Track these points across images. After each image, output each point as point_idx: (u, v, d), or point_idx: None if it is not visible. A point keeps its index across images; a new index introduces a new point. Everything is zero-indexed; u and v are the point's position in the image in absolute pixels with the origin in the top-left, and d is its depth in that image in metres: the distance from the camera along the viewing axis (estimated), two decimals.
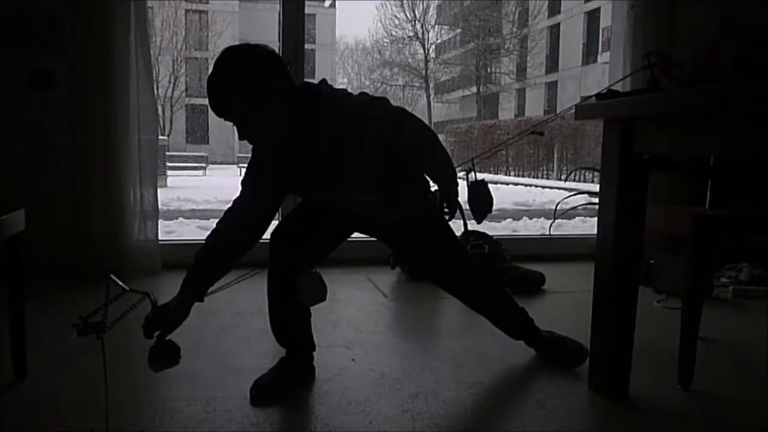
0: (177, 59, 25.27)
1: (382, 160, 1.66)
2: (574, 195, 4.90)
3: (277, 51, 1.63)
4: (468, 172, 3.58)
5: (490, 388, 1.90)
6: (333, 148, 1.61)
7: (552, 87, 26.14)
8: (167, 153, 13.78)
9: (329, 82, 1.68)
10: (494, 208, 3.63)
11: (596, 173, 3.37)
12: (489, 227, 5.05)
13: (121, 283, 1.43)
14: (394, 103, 1.65)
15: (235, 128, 1.59)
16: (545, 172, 17.04)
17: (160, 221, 3.55)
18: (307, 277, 1.68)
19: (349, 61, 33.95)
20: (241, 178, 1.73)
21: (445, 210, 1.76)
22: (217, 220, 1.72)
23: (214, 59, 1.58)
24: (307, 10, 3.70)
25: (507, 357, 2.13)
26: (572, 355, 2.03)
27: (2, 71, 3.18)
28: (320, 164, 1.64)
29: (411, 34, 29.72)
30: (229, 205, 1.73)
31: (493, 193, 3.63)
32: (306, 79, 1.88)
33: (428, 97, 30.16)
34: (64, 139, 3.27)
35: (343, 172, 1.65)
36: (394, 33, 29.98)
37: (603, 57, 20.38)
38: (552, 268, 3.43)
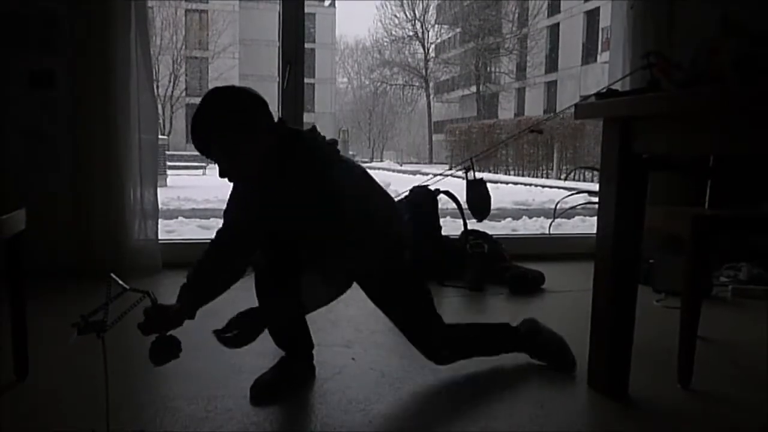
0: (177, 59, 25.23)
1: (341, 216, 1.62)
2: (574, 194, 4.90)
3: (260, 94, 1.65)
4: (466, 170, 3.59)
5: (490, 388, 1.90)
6: (291, 194, 1.63)
7: (552, 86, 26.12)
8: (167, 152, 13.74)
9: (318, 130, 1.72)
10: (494, 207, 3.65)
11: (596, 173, 3.37)
12: (488, 226, 5.05)
13: (121, 282, 1.43)
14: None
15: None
16: (545, 171, 17.04)
17: (160, 220, 3.55)
18: (309, 278, 1.67)
19: (349, 61, 33.96)
20: (224, 208, 1.78)
21: None
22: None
23: (201, 98, 1.61)
24: (306, 10, 3.70)
25: (506, 356, 2.13)
26: (556, 357, 2.03)
27: (2, 71, 3.18)
28: (278, 207, 1.67)
29: (411, 33, 29.72)
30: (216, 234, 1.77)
31: (492, 193, 3.65)
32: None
33: (428, 96, 30.15)
34: (64, 138, 3.27)
35: (298, 219, 1.65)
36: (394, 32, 29.99)
37: (602, 57, 20.35)
38: (551, 267, 3.43)
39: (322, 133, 1.72)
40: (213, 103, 1.60)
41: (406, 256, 1.81)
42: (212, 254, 1.73)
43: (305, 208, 1.61)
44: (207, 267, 1.72)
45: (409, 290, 1.83)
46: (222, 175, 1.63)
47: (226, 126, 1.57)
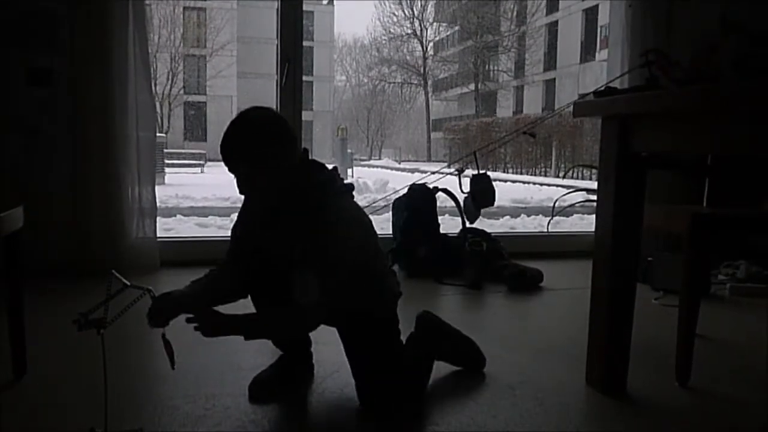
0: (175, 56, 25.18)
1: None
2: (572, 192, 4.91)
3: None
4: (460, 172, 3.60)
5: (488, 385, 1.90)
6: (291, 228, 1.65)
7: (550, 84, 26.12)
8: (165, 150, 13.73)
9: (338, 172, 1.74)
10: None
11: (594, 170, 3.38)
12: (487, 224, 5.06)
13: (122, 279, 1.43)
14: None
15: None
16: (543, 169, 17.04)
17: (158, 218, 3.54)
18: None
19: (347, 59, 33.93)
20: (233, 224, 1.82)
21: None
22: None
23: (241, 112, 1.64)
24: (305, 8, 3.69)
25: (505, 354, 2.14)
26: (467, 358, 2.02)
27: (2, 70, 3.18)
28: (277, 237, 1.69)
29: (409, 31, 29.70)
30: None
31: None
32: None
33: (426, 94, 30.13)
34: (63, 137, 3.26)
35: (290, 253, 1.64)
36: (392, 30, 29.98)
37: (601, 54, 20.34)
38: (550, 265, 3.43)
39: (339, 167, 1.78)
40: (252, 121, 1.62)
41: (391, 312, 1.80)
42: (219, 266, 1.78)
43: (299, 244, 1.61)
44: (214, 272, 1.77)
45: (379, 346, 1.75)
46: (241, 190, 1.65)
47: (260, 146, 1.59)
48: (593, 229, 1.90)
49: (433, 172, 3.82)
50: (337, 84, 33.27)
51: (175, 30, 25.03)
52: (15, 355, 1.85)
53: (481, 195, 3.49)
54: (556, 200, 4.76)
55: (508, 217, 6.94)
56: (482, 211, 3.58)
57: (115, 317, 1.43)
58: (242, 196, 1.74)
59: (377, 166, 20.71)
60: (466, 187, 3.53)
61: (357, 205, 1.77)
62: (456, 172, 3.62)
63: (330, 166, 1.75)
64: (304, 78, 3.74)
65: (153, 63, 4.02)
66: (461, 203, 3.55)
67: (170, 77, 24.80)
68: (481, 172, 3.52)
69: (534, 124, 3.65)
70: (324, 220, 1.60)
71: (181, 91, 25.62)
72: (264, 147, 1.59)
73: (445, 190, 3.54)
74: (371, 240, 1.75)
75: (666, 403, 1.81)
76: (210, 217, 6.37)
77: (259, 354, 2.03)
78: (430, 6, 29.48)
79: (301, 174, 1.66)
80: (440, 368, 1.99)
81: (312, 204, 1.63)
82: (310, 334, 1.95)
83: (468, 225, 3.55)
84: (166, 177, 12.06)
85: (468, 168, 3.67)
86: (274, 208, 1.69)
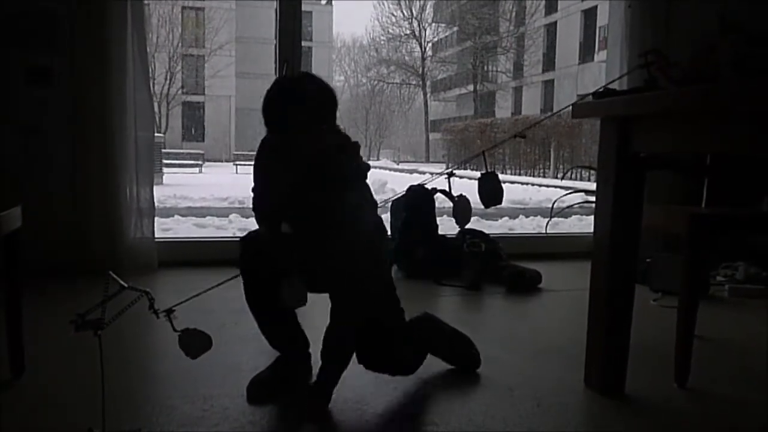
0: (173, 56, 25.20)
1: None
2: (571, 193, 4.91)
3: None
4: (450, 176, 3.59)
5: (487, 386, 1.90)
6: (317, 182, 1.70)
7: (549, 85, 26.17)
8: (163, 150, 13.72)
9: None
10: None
11: (593, 171, 3.37)
12: (485, 225, 5.06)
13: (120, 280, 1.42)
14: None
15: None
16: (542, 170, 17.05)
17: (156, 218, 3.54)
18: (288, 281, 1.70)
19: (346, 59, 33.97)
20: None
21: None
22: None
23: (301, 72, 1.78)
24: (303, 8, 3.69)
25: (504, 354, 2.13)
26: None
27: (1, 70, 3.17)
28: (301, 190, 1.73)
29: (408, 32, 29.74)
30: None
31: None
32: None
33: (425, 95, 30.16)
34: (61, 137, 3.25)
35: (312, 207, 1.70)
36: (391, 31, 30.03)
37: (600, 55, 20.39)
38: (549, 266, 3.43)
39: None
40: (311, 81, 1.73)
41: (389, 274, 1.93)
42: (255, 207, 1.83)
43: (323, 198, 1.68)
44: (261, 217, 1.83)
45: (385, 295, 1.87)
46: (278, 152, 1.73)
47: (314, 100, 1.68)
48: (592, 231, 1.90)
49: (433, 174, 3.81)
50: (336, 84, 33.23)
51: (173, 30, 25.05)
52: (12, 354, 1.85)
53: (489, 195, 3.48)
54: (555, 201, 4.76)
55: (506, 218, 6.94)
56: (481, 211, 3.57)
57: (113, 318, 1.43)
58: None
59: (375, 167, 20.72)
60: (456, 192, 3.51)
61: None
62: (446, 176, 3.60)
63: None
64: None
65: (151, 63, 4.01)
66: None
67: (169, 77, 24.80)
68: (489, 170, 3.51)
69: (525, 129, 3.66)
70: (350, 180, 1.70)
71: (180, 91, 25.62)
72: (318, 100, 1.69)
73: (443, 191, 3.54)
74: (376, 209, 1.82)
75: (665, 403, 1.81)
76: (208, 217, 6.38)
77: (257, 355, 2.03)
78: (428, 6, 29.56)
79: (335, 136, 1.74)
80: (439, 368, 1.99)
81: (339, 165, 1.69)
82: (308, 335, 1.95)
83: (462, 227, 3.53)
84: (164, 177, 12.05)
85: (455, 173, 3.64)
86: (312, 167, 1.72)
